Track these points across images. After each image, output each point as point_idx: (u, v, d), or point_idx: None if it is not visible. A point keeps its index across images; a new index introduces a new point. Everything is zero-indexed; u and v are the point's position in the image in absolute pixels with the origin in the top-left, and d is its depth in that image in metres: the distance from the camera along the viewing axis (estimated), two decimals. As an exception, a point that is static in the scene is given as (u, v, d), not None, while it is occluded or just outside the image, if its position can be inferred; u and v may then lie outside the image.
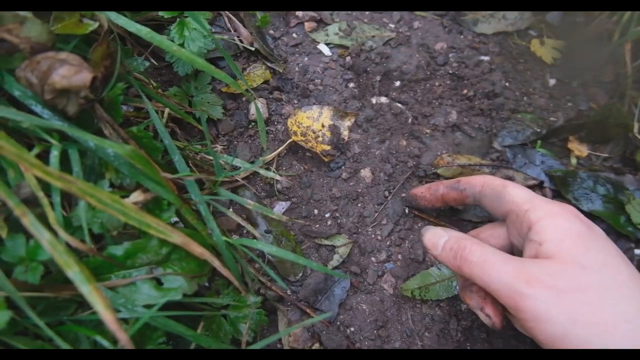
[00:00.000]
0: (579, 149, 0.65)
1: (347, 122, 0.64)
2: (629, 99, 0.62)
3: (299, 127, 0.62)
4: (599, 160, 0.65)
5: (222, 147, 0.61)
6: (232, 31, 0.70)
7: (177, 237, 0.41)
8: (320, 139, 0.62)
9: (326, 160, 0.61)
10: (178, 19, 0.55)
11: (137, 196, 0.42)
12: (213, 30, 0.69)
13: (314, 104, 0.66)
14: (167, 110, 0.53)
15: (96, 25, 0.43)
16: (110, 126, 0.45)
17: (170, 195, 0.44)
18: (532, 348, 0.55)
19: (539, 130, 0.66)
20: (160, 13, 0.52)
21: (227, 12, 0.70)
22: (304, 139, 0.61)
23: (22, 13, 0.38)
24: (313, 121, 0.63)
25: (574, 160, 0.66)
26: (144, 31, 0.42)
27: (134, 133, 0.45)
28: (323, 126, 0.63)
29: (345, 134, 0.63)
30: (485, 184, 0.49)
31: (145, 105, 0.48)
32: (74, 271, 0.30)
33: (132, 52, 0.55)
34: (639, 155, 0.61)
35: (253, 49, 0.68)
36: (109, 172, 0.43)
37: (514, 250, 0.48)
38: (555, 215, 0.42)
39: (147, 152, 0.46)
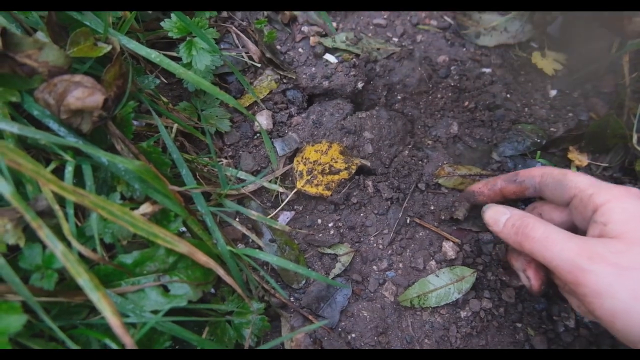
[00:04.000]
0: (579, 159, 0.66)
1: (354, 164, 0.64)
2: (628, 110, 0.63)
3: (305, 165, 0.63)
4: (599, 170, 0.66)
5: (228, 157, 0.64)
6: (240, 47, 0.73)
7: (183, 247, 0.44)
8: (327, 171, 0.63)
9: (329, 195, 0.62)
10: (187, 39, 0.58)
11: (145, 208, 0.45)
12: (222, 46, 0.72)
13: (318, 110, 0.67)
14: (175, 126, 0.56)
15: (109, 48, 0.46)
16: (122, 142, 0.47)
17: (177, 207, 0.46)
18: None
19: (539, 140, 0.67)
20: (170, 34, 0.55)
21: (235, 29, 0.73)
22: (308, 178, 0.62)
23: (40, 39, 0.41)
24: (321, 154, 0.63)
25: (574, 170, 0.66)
26: (153, 55, 0.45)
27: (144, 148, 0.48)
28: (332, 159, 0.63)
29: (353, 169, 0.64)
30: (545, 174, 0.50)
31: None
32: (84, 279, 0.32)
33: (144, 70, 0.58)
34: (638, 165, 0.62)
35: (259, 65, 0.70)
36: (120, 185, 0.46)
37: (578, 232, 0.48)
38: (622, 197, 0.42)
39: (156, 166, 0.48)
